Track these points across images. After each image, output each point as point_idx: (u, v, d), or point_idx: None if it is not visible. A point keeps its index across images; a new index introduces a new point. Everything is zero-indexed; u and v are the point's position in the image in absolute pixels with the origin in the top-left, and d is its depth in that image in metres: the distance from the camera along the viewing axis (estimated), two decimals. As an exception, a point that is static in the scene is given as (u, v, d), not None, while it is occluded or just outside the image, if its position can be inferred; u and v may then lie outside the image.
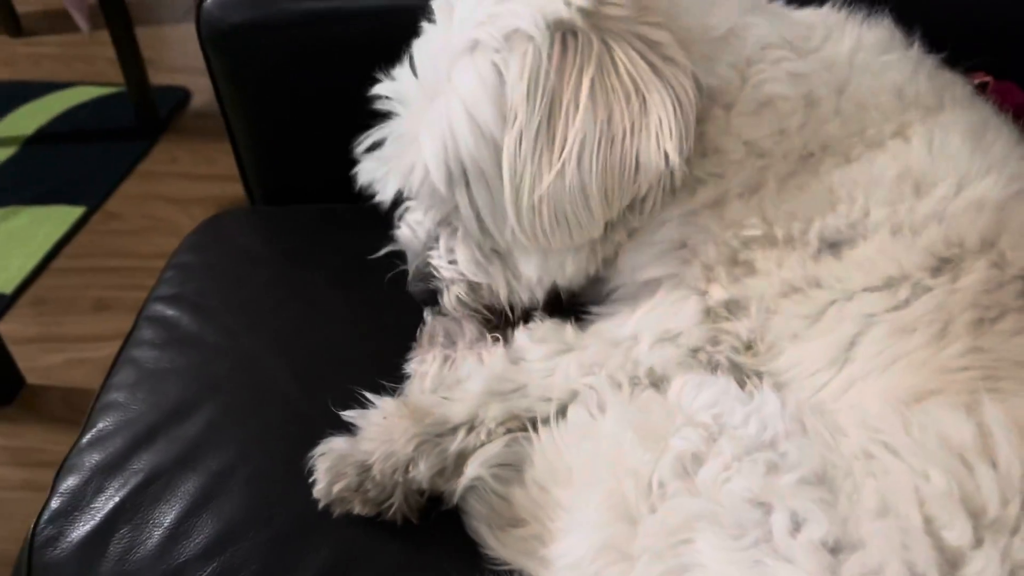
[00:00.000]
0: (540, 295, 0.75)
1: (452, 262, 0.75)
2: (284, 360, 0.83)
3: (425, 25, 0.74)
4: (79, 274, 1.86)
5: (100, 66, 2.47)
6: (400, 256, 0.82)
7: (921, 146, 0.66)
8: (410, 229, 0.79)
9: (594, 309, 0.75)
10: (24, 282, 1.82)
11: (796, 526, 0.51)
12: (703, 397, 0.60)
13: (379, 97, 0.74)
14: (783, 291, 0.65)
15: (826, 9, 0.75)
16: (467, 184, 0.69)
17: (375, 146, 0.75)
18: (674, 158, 0.62)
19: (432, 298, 0.78)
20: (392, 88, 0.73)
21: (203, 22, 0.96)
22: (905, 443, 0.52)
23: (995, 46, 0.82)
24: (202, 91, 2.42)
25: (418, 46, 0.73)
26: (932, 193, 0.63)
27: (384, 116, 0.75)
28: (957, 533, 0.48)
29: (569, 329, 0.73)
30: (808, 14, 0.74)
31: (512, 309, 0.76)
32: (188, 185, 2.10)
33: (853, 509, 0.51)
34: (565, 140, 0.63)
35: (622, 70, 0.63)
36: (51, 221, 1.95)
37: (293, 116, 1.05)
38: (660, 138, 0.63)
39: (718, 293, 0.67)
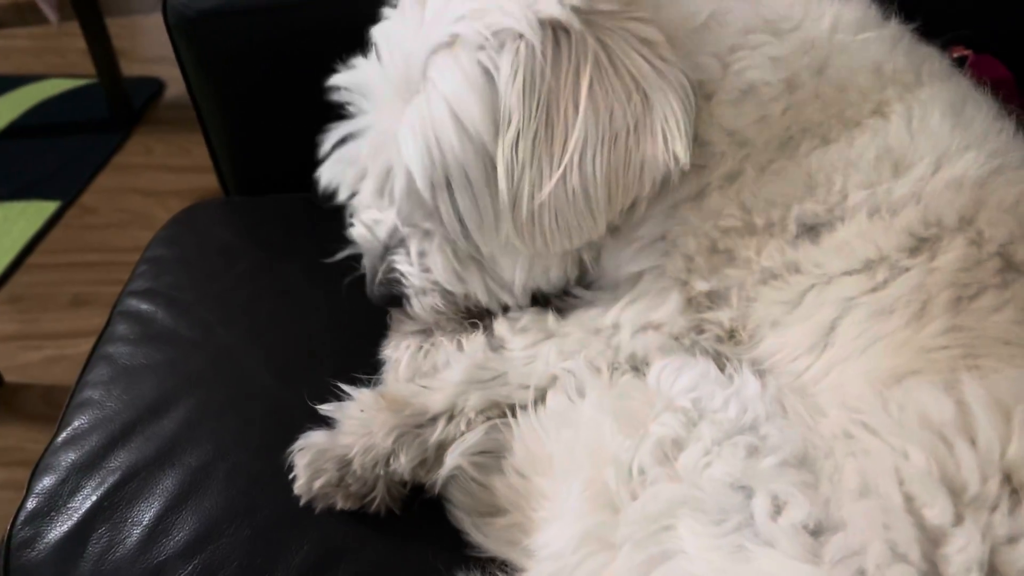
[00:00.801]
0: (524, 299, 0.73)
1: (425, 269, 0.73)
2: (261, 353, 0.82)
3: (388, 11, 0.70)
4: (56, 270, 1.84)
5: (71, 58, 2.43)
6: (358, 259, 0.79)
7: (900, 124, 0.65)
8: (366, 229, 0.75)
9: (575, 291, 0.74)
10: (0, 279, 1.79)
11: (777, 509, 0.51)
12: (682, 381, 0.60)
13: (337, 88, 0.71)
14: (762, 278, 0.65)
15: None
16: (449, 189, 0.65)
17: (339, 143, 0.72)
18: (684, 158, 0.61)
19: (395, 302, 0.75)
20: (353, 79, 0.70)
21: (170, 9, 0.94)
22: (884, 422, 0.52)
23: (972, 19, 0.81)
24: (176, 81, 2.37)
25: (382, 35, 0.69)
26: (910, 173, 0.63)
27: (342, 107, 0.71)
28: (938, 511, 0.48)
29: (550, 317, 0.72)
30: None
31: (490, 311, 0.75)
32: (164, 177, 2.08)
33: (834, 490, 0.51)
34: (565, 143, 0.60)
35: (620, 68, 0.61)
36: (25, 217, 1.93)
37: (265, 104, 1.03)
38: (667, 137, 0.61)
39: (699, 284, 0.66)
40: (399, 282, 0.74)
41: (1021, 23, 0.96)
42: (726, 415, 0.56)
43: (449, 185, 0.65)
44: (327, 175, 0.74)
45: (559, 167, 0.60)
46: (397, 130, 0.65)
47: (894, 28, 0.72)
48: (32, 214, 1.93)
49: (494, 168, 0.63)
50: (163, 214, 1.97)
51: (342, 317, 0.85)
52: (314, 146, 0.80)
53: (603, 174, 0.61)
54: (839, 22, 0.69)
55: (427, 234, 0.72)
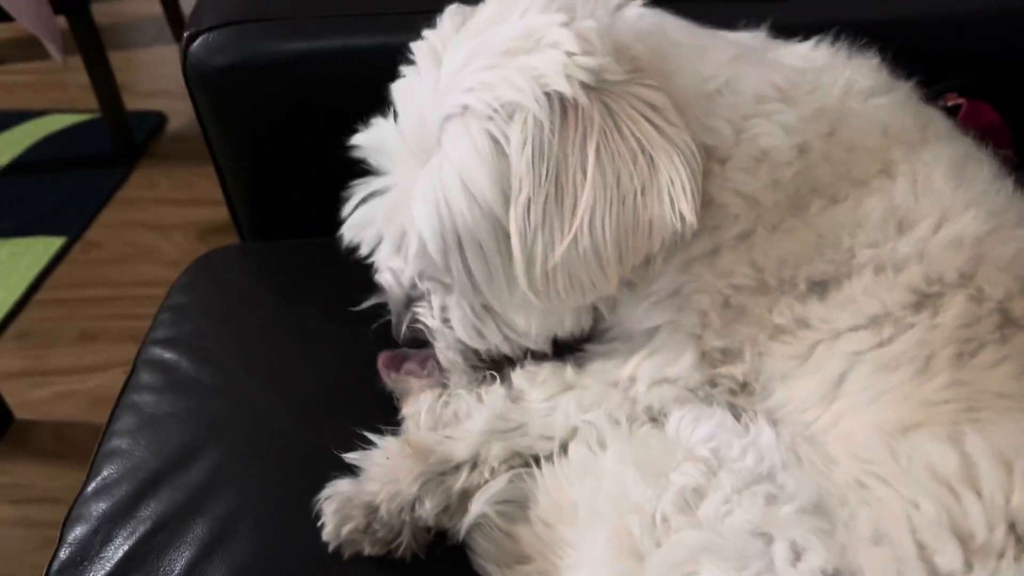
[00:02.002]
0: (544, 345, 0.75)
1: (446, 322, 0.75)
2: (282, 400, 0.83)
3: (405, 69, 0.73)
4: (62, 305, 1.85)
5: (74, 92, 2.45)
6: (383, 306, 0.81)
7: (905, 183, 0.67)
8: (392, 276, 0.77)
9: (590, 347, 0.76)
10: (7, 316, 1.81)
11: (796, 555, 0.53)
12: (700, 431, 0.62)
13: (358, 147, 0.73)
14: (773, 334, 0.67)
15: (808, 48, 0.75)
16: (461, 251, 0.67)
17: (361, 203, 0.74)
18: (690, 218, 0.63)
19: (422, 344, 0.77)
20: (373, 139, 0.73)
21: (189, 64, 0.97)
22: (894, 473, 0.54)
23: (965, 66, 0.85)
24: (178, 115, 2.40)
25: (400, 95, 0.72)
26: (914, 231, 0.65)
27: (360, 163, 0.74)
28: (948, 558, 0.50)
29: (569, 370, 0.74)
30: (794, 57, 0.74)
31: (510, 358, 0.77)
32: (168, 211, 2.10)
33: (850, 537, 0.53)
34: (575, 207, 0.62)
35: (626, 132, 0.63)
36: (31, 253, 1.94)
37: (280, 153, 1.06)
38: (673, 198, 0.63)
39: (713, 340, 0.68)
40: (423, 332, 0.76)
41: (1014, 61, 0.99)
42: (744, 464, 0.59)
43: (460, 248, 0.67)
44: (349, 233, 0.76)
45: (570, 230, 0.63)
46: (411, 194, 0.68)
47: (903, 91, 0.74)
48: (38, 250, 1.95)
49: (503, 232, 0.65)
50: (168, 248, 2.03)
51: (361, 363, 0.86)
52: (328, 194, 0.83)
53: (613, 235, 0.63)
54: (851, 89, 0.71)
55: (447, 288, 0.74)
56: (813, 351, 0.66)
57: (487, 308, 0.74)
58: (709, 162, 0.67)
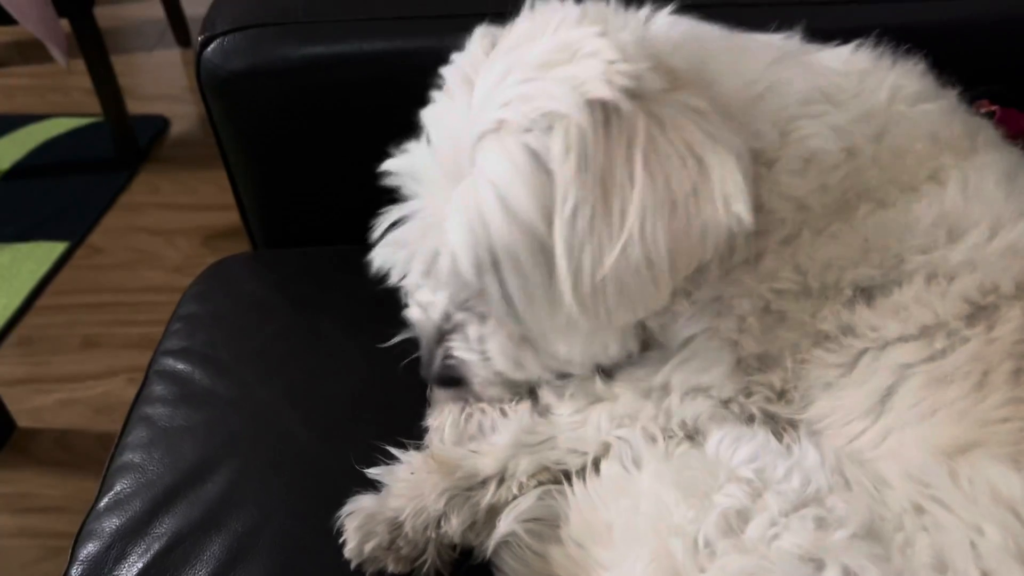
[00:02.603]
0: (582, 371, 0.73)
1: (484, 356, 0.72)
2: (300, 413, 0.82)
3: (436, 95, 0.70)
4: (65, 311, 1.83)
5: (76, 96, 2.43)
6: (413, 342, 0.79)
7: (955, 190, 0.65)
8: (421, 310, 0.75)
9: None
10: (9, 322, 1.78)
11: (850, 583, 0.51)
12: (743, 451, 0.60)
13: (389, 173, 0.71)
14: (816, 341, 0.65)
15: (848, 51, 0.73)
16: (498, 272, 0.64)
17: (391, 227, 0.71)
18: (747, 219, 0.60)
19: (454, 383, 0.74)
20: (405, 164, 0.70)
21: (203, 70, 0.95)
22: (956, 497, 0.52)
23: (996, 74, 0.83)
24: (180, 119, 2.39)
25: (432, 120, 0.69)
26: (966, 239, 0.63)
27: (393, 191, 0.71)
28: (1015, 588, 0.48)
29: (597, 382, 0.72)
30: (835, 61, 0.72)
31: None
32: (172, 216, 2.08)
33: (908, 564, 0.51)
34: (624, 215, 0.60)
35: (672, 136, 0.60)
36: (33, 258, 1.92)
37: (293, 160, 1.04)
38: (727, 199, 0.60)
39: (751, 345, 0.66)
40: (457, 368, 0.73)
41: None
42: (790, 486, 0.57)
43: (497, 267, 0.64)
44: (379, 258, 0.73)
45: (620, 239, 0.60)
46: (444, 214, 0.65)
47: (950, 99, 0.73)
48: (40, 255, 1.92)
49: (544, 250, 0.62)
50: (172, 253, 2.01)
51: (380, 374, 0.84)
52: (343, 200, 0.80)
53: (665, 242, 0.60)
54: (897, 93, 0.69)
55: (483, 318, 0.71)
56: (859, 360, 0.63)
57: (526, 338, 0.71)
58: (755, 165, 0.65)
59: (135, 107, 2.30)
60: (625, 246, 0.59)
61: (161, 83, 2.59)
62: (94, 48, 2.07)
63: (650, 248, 0.60)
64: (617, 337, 0.71)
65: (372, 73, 0.96)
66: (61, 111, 2.39)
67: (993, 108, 0.81)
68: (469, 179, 0.63)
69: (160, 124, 2.35)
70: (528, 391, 0.74)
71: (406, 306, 0.77)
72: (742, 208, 0.59)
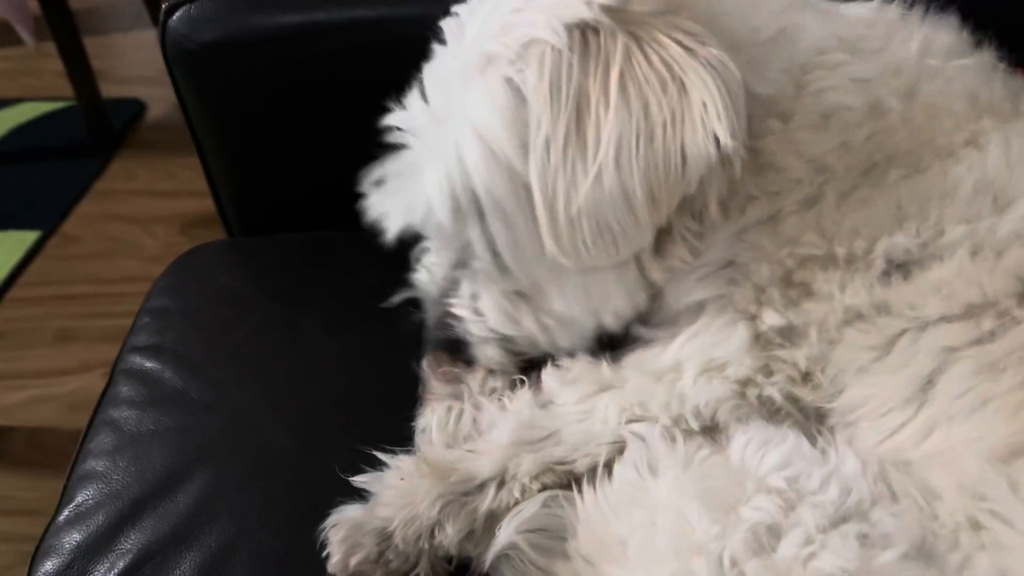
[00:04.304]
0: (584, 336, 0.68)
1: (478, 313, 0.68)
2: (281, 417, 0.76)
3: (435, 47, 0.67)
4: (38, 304, 1.77)
5: (48, 80, 2.36)
6: (415, 303, 0.75)
7: (998, 155, 0.60)
8: (428, 273, 0.72)
9: (633, 330, 0.69)
10: (-21, 316, 1.72)
11: (901, 611, 0.45)
12: (772, 457, 0.54)
13: (390, 129, 0.67)
14: (846, 318, 0.59)
15: (877, 3, 0.69)
16: (481, 218, 0.62)
17: (381, 179, 0.68)
18: (726, 140, 0.56)
19: (455, 347, 0.71)
20: (403, 118, 0.67)
21: (168, 40, 0.88)
22: (1018, 510, 0.46)
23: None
24: (157, 102, 2.32)
25: (428, 70, 0.66)
26: (1015, 209, 0.58)
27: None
28: (1089, 615, 0.43)
29: (604, 367, 0.66)
30: (862, 10, 0.68)
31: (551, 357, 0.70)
32: (149, 202, 2.01)
33: (966, 588, 0.45)
34: (599, 141, 0.57)
35: (653, 57, 0.57)
36: (4, 248, 1.86)
37: (268, 137, 0.98)
38: (706, 122, 0.56)
39: (771, 318, 0.61)
40: (455, 329, 0.70)
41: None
42: (827, 497, 0.51)
43: (478, 212, 0.62)
44: (371, 210, 0.69)
45: (594, 167, 0.57)
46: (424, 161, 0.63)
47: (988, 56, 0.68)
48: (11, 245, 1.86)
49: (525, 189, 0.60)
50: (149, 242, 1.94)
51: (366, 374, 0.79)
52: (324, 181, 0.76)
53: (641, 171, 0.57)
54: (930, 46, 0.65)
55: (475, 274, 0.68)
56: (895, 342, 0.58)
57: (520, 293, 0.68)
58: (767, 118, 0.62)
59: (110, 90, 2.24)
60: (598, 175, 0.56)
61: (137, 65, 2.51)
62: (65, 29, 2.01)
63: (625, 179, 0.57)
64: (618, 286, 0.66)
65: (354, 44, 0.90)
66: (34, 95, 2.33)
67: (1031, 75, 0.75)
68: (449, 122, 0.61)
69: (136, 107, 2.29)
70: (529, 366, 0.70)
71: (414, 270, 0.75)
72: (720, 128, 0.56)
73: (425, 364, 0.74)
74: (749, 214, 0.62)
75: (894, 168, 0.61)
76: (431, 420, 0.70)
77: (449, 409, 0.70)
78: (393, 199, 0.68)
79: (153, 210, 1.98)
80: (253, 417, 0.77)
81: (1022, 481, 0.48)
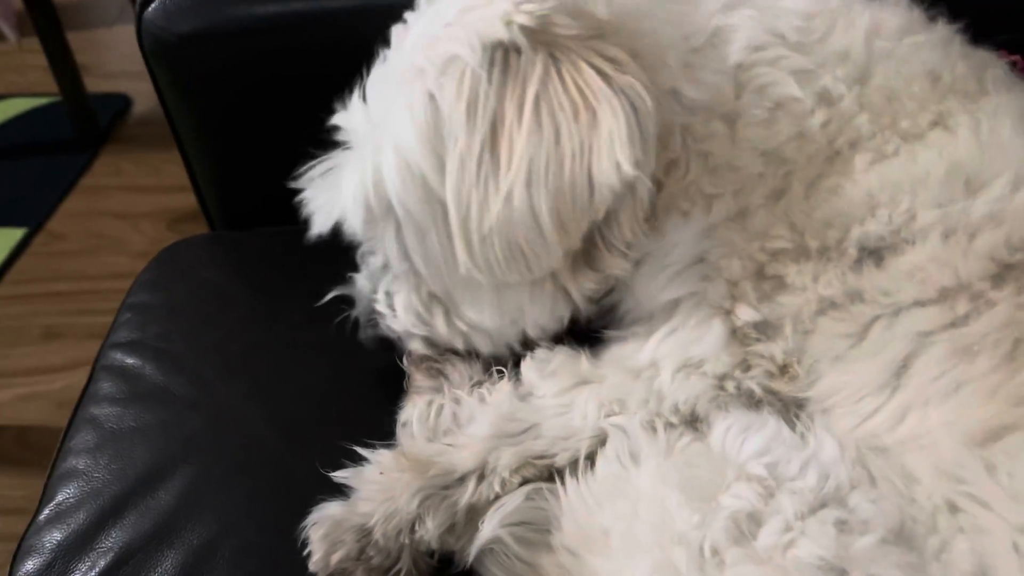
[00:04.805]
0: (507, 344, 0.69)
1: (392, 309, 0.70)
2: (265, 412, 0.75)
3: (382, 52, 0.68)
4: (24, 301, 1.76)
5: (32, 76, 2.33)
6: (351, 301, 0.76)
7: (968, 137, 0.60)
8: (367, 274, 0.73)
9: (607, 332, 0.69)
10: (-35, 315, 1.71)
11: (879, 596, 0.45)
12: (752, 444, 0.54)
13: (337, 128, 0.68)
14: (820, 308, 0.59)
15: None
16: (396, 226, 0.64)
17: (316, 176, 0.69)
18: (626, 168, 0.56)
19: (386, 344, 0.72)
20: (344, 119, 0.67)
21: (145, 33, 0.87)
22: (994, 493, 0.46)
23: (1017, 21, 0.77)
24: (143, 97, 2.30)
25: (374, 72, 0.67)
26: (987, 191, 0.58)
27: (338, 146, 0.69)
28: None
29: (583, 360, 0.66)
30: (800, 3, 0.66)
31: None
32: (135, 198, 2.00)
33: (946, 573, 0.45)
34: (511, 163, 0.57)
35: (569, 83, 0.57)
36: (-10, 246, 1.84)
37: (249, 130, 0.96)
38: (612, 154, 0.57)
39: (746, 313, 0.61)
40: (379, 323, 0.72)
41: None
42: (806, 483, 0.51)
43: (395, 221, 0.63)
44: (305, 204, 0.71)
45: (505, 188, 0.57)
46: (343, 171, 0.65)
47: (943, 30, 0.67)
48: (-3, 243, 1.84)
49: (440, 204, 0.60)
50: (136, 238, 1.93)
51: (350, 366, 0.78)
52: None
53: (550, 195, 0.57)
54: (878, 29, 0.64)
55: (395, 274, 0.70)
56: (869, 329, 0.58)
57: (435, 297, 0.69)
58: (711, 121, 0.62)
59: (96, 85, 2.22)
60: (509, 196, 0.57)
61: (122, 60, 2.49)
62: (48, 24, 1.99)
63: (534, 201, 0.57)
64: (533, 301, 0.66)
65: (335, 34, 0.89)
66: (17, 91, 2.31)
67: (1014, 58, 0.75)
68: (381, 127, 0.62)
69: (121, 103, 2.27)
70: (507, 364, 0.69)
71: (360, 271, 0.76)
72: (622, 156, 0.56)
73: (406, 358, 0.74)
74: (715, 212, 0.62)
75: (860, 154, 0.61)
76: (412, 414, 0.70)
77: (430, 403, 0.70)
78: (320, 198, 0.68)
79: (140, 206, 1.96)
80: (236, 412, 0.76)
81: (998, 464, 0.48)
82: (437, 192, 0.60)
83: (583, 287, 0.65)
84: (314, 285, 0.86)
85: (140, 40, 0.88)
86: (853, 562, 0.46)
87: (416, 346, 0.71)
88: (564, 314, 0.67)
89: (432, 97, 0.58)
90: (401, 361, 0.74)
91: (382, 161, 0.61)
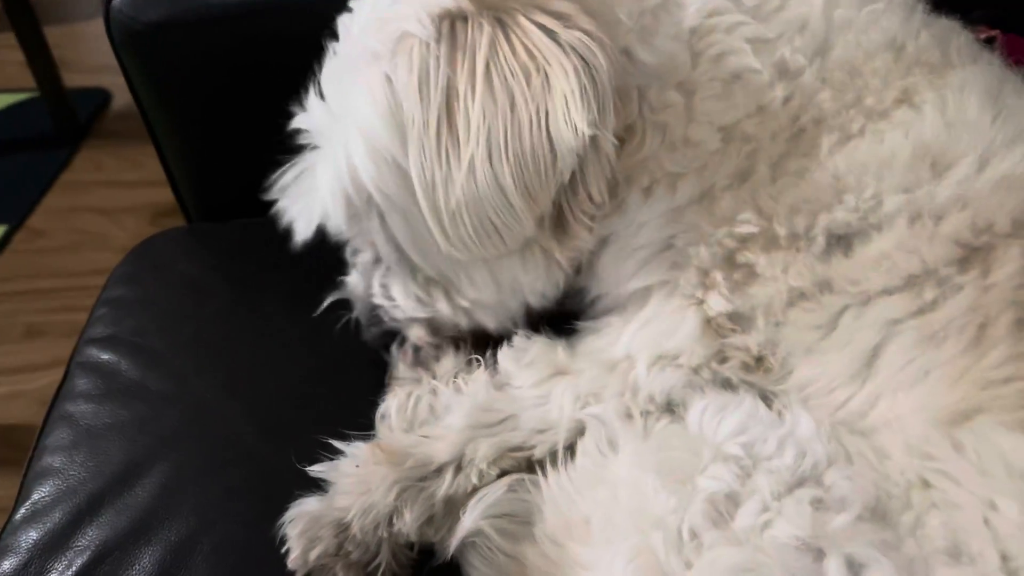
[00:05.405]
0: (511, 316, 0.68)
1: (391, 300, 0.69)
2: (242, 406, 0.74)
3: (331, 46, 0.67)
4: (6, 299, 1.74)
5: (9, 71, 2.31)
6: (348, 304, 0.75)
7: (934, 115, 0.59)
8: (359, 273, 0.72)
9: (580, 324, 0.68)
10: (-55, 314, 1.69)
11: (855, 574, 0.45)
12: (728, 424, 0.53)
13: (299, 131, 0.67)
14: (791, 299, 0.58)
15: None
16: (380, 216, 0.62)
17: (288, 184, 0.68)
18: (582, 127, 0.54)
19: (391, 340, 0.71)
20: (305, 120, 0.66)
21: (113, 22, 0.85)
22: (964, 469, 0.46)
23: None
24: (123, 91, 2.22)
25: (325, 68, 0.66)
26: (952, 173, 0.57)
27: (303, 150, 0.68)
28: (1042, 573, 0.42)
29: (560, 350, 0.65)
30: None
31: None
32: (117, 193, 1.98)
33: (920, 549, 0.45)
34: (469, 135, 0.56)
35: (518, 46, 0.55)
36: (-30, 244, 1.82)
37: (223, 120, 0.95)
38: (569, 114, 0.55)
39: (718, 303, 0.60)
40: (383, 319, 0.70)
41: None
42: (782, 462, 0.50)
43: (377, 210, 0.62)
44: (282, 214, 0.69)
45: (466, 161, 0.56)
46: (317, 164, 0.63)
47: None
48: (-23, 241, 1.83)
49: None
50: (118, 233, 1.91)
51: (329, 357, 0.77)
52: (279, 162, 0.74)
53: (511, 163, 0.56)
54: None
55: (390, 266, 0.69)
56: (839, 319, 0.57)
57: (432, 280, 0.68)
58: (666, 90, 0.61)
59: (75, 80, 2.20)
60: (471, 168, 0.56)
61: (101, 54, 2.43)
62: (24, 19, 1.97)
63: (498, 173, 0.56)
64: (526, 270, 0.65)
65: (311, 21, 0.83)
66: (-4, 87, 2.27)
67: (993, 33, 0.74)
68: (343, 119, 0.61)
69: (101, 97, 2.25)
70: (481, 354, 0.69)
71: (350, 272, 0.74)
72: (579, 117, 0.55)
73: (395, 347, 0.73)
74: (680, 193, 0.61)
75: (825, 134, 0.59)
76: (391, 405, 0.69)
77: (409, 394, 0.69)
78: (297, 205, 0.67)
79: (121, 201, 1.95)
80: (213, 406, 0.75)
81: (966, 442, 0.48)
82: (408, 171, 0.58)
83: (566, 252, 0.63)
84: (292, 275, 0.85)
85: (108, 30, 0.86)
86: (829, 540, 0.46)
87: (418, 333, 0.70)
88: (559, 278, 0.66)
89: (389, 78, 0.57)
90: (386, 352, 0.73)
91: (352, 151, 0.60)
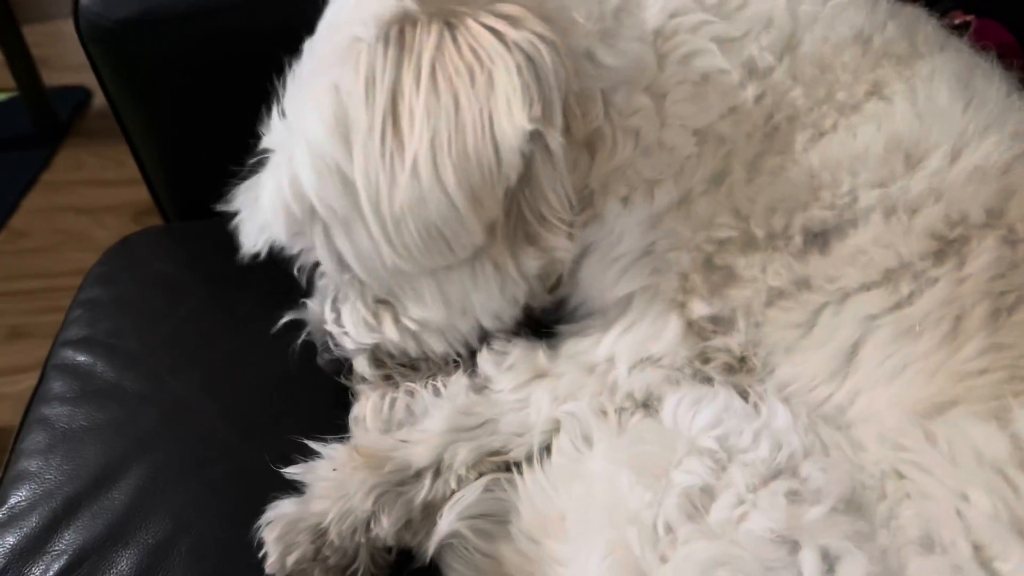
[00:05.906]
0: (462, 340, 0.66)
1: (340, 324, 0.67)
2: (219, 406, 0.74)
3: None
4: (-12, 301, 1.72)
5: (-10, 71, 2.29)
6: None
7: (905, 107, 0.58)
8: (318, 296, 0.71)
9: (562, 327, 0.67)
10: (-74, 316, 1.67)
11: (830, 567, 0.45)
12: (703, 417, 0.53)
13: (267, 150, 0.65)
14: (769, 299, 0.58)
15: None
16: (324, 230, 0.61)
17: (244, 203, 0.67)
18: (523, 123, 0.53)
19: (342, 369, 0.70)
20: (270, 139, 0.64)
21: (83, 20, 0.85)
22: (936, 460, 0.46)
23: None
24: (104, 88, 2.26)
25: (287, 89, 0.64)
26: (926, 165, 0.56)
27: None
28: (1013, 564, 0.42)
29: (540, 354, 0.64)
30: None
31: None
32: (98, 192, 1.97)
33: (893, 540, 0.44)
34: (412, 137, 0.54)
35: (464, 47, 0.54)
36: (-50, 247, 1.80)
37: (196, 116, 0.94)
38: (512, 114, 0.54)
39: (699, 307, 0.60)
40: (334, 345, 0.69)
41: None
42: (757, 455, 0.50)
43: (321, 222, 0.60)
44: (242, 234, 0.68)
45: (409, 163, 0.54)
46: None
47: None
48: (-43, 243, 1.81)
49: (357, 192, 0.57)
50: (101, 233, 1.90)
51: (308, 360, 0.76)
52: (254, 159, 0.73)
53: (455, 166, 0.54)
54: None
55: (339, 287, 0.68)
56: (818, 317, 0.57)
57: (381, 301, 0.66)
58: (634, 94, 0.59)
59: (55, 78, 2.18)
60: (415, 171, 0.54)
61: (81, 52, 2.42)
62: (2, 17, 1.95)
63: (441, 173, 0.54)
64: (476, 286, 0.62)
65: (280, 15, 0.83)
66: (-27, 87, 2.25)
67: (968, 18, 0.74)
68: (295, 133, 0.59)
69: (82, 95, 2.23)
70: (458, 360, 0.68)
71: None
72: (519, 111, 0.53)
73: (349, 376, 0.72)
74: (658, 200, 0.60)
75: (799, 131, 0.59)
76: (365, 407, 0.68)
77: (383, 396, 0.68)
78: (250, 223, 0.66)
79: (103, 200, 1.93)
80: (190, 406, 0.74)
81: (938, 433, 0.48)
82: (352, 180, 0.57)
83: (526, 265, 0.61)
84: (270, 274, 0.84)
85: (78, 27, 0.85)
86: (804, 533, 0.46)
87: (361, 366, 0.68)
88: (517, 295, 0.64)
89: (336, 87, 0.56)
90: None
91: (297, 162, 0.58)
